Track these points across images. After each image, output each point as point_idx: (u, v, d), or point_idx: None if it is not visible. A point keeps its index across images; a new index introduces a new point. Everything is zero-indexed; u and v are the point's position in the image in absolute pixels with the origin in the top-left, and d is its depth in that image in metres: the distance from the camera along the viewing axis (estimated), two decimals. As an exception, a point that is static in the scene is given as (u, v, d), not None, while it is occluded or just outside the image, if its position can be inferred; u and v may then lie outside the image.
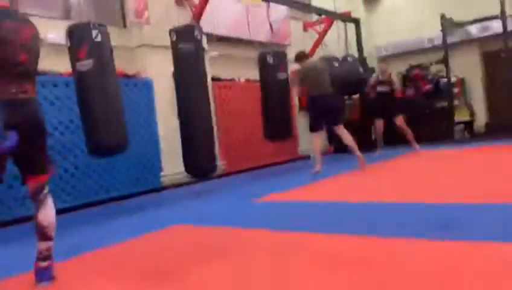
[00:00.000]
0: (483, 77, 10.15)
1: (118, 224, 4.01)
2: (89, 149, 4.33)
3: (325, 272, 2.13)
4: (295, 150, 8.31)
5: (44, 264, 2.32)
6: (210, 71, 6.48)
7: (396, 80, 7.87)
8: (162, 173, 5.84)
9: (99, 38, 4.09)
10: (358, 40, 9.13)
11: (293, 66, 6.49)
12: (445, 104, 9.01)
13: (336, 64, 7.77)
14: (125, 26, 6.10)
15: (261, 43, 7.34)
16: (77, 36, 4.10)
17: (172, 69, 5.42)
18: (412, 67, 10.16)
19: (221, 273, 2.30)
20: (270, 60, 6.16)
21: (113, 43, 4.38)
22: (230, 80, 7.29)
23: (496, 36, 8.88)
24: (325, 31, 8.78)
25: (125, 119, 4.42)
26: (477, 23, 9.51)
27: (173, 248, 2.94)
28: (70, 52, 4.15)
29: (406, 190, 4.20)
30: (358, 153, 5.81)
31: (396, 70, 9.83)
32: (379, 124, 7.77)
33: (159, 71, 5.87)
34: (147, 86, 5.78)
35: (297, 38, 8.73)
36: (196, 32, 5.11)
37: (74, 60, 4.11)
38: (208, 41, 6.67)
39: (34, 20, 2.46)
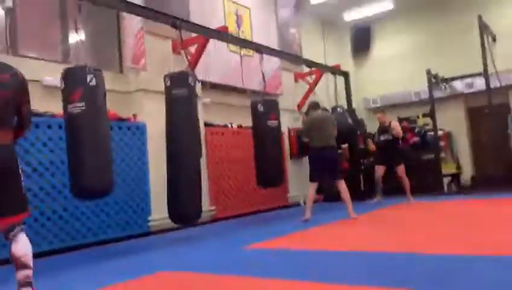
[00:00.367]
0: (469, 132, 10.44)
1: (103, 268, 3.92)
2: (73, 191, 4.22)
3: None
4: (285, 196, 8.33)
5: None
6: (203, 117, 6.61)
7: (397, 124, 7.91)
8: (150, 217, 5.79)
9: (93, 82, 4.13)
10: (347, 92, 9.40)
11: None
12: (431, 156, 9.17)
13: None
14: (121, 71, 6.24)
15: (253, 92, 7.55)
16: (72, 79, 4.14)
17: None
18: (400, 120, 10.44)
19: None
20: (260, 108, 6.37)
21: (109, 87, 4.45)
22: (223, 126, 7.41)
23: (480, 92, 9.22)
24: (315, 82, 9.08)
25: (114, 162, 4.38)
26: (462, 80, 9.89)
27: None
28: (63, 94, 4.17)
29: (395, 240, 4.21)
30: (350, 209, 5.84)
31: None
32: (380, 170, 7.80)
33: (154, 116, 5.94)
34: (140, 130, 5.86)
35: (289, 88, 8.99)
36: (190, 79, 5.22)
37: (67, 102, 4.11)
38: (202, 88, 6.84)
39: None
